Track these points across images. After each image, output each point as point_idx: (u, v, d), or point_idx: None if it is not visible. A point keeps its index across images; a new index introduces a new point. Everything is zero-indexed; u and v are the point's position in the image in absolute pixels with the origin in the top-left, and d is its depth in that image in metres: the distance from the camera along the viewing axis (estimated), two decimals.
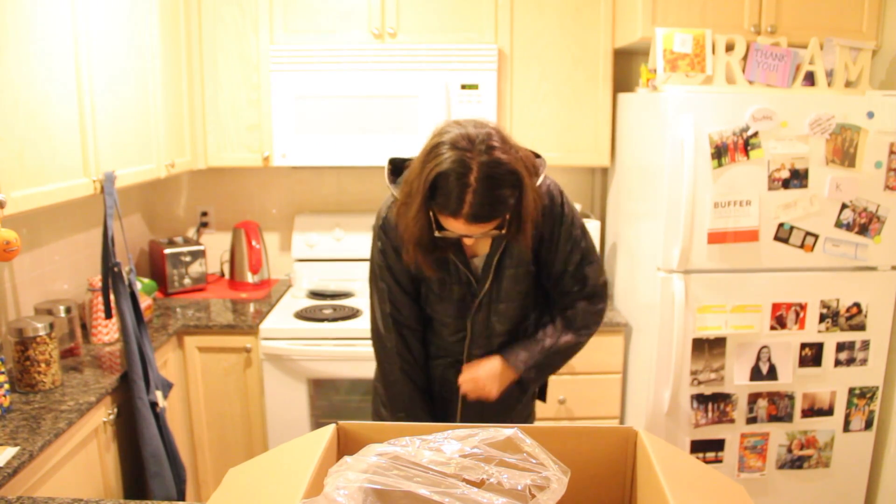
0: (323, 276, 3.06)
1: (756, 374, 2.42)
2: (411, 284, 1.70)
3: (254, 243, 3.02)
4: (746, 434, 2.47)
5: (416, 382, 1.75)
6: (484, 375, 1.69)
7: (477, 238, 1.53)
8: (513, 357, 1.69)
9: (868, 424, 2.50)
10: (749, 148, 2.28)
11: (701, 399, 2.43)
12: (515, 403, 1.83)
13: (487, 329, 1.73)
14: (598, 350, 2.67)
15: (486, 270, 1.66)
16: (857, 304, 2.41)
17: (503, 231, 1.50)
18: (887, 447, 2.54)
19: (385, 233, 1.66)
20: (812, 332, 2.41)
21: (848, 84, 2.46)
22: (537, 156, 1.61)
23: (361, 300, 2.91)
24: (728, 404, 2.44)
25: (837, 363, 2.44)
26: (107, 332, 2.33)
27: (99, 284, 2.28)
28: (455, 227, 1.45)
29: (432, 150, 1.42)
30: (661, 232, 2.35)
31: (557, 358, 1.72)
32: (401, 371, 1.73)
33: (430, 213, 1.47)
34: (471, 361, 1.75)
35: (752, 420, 2.46)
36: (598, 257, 1.73)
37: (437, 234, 1.49)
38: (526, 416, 1.92)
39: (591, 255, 1.70)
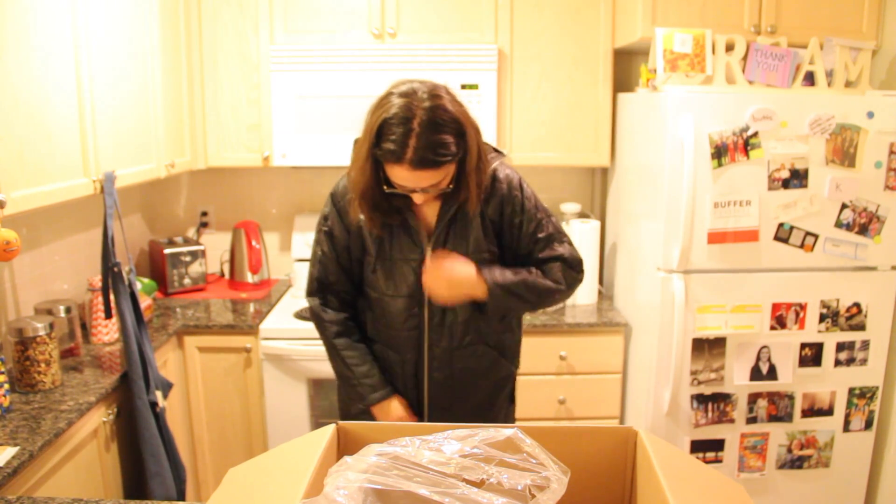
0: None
1: (756, 374, 2.42)
2: (348, 256, 1.70)
3: (254, 243, 3.02)
4: (746, 434, 2.47)
5: (352, 336, 1.74)
6: (450, 270, 1.60)
7: (424, 194, 1.52)
8: (488, 270, 1.63)
9: (868, 424, 2.50)
10: (749, 148, 2.28)
11: (701, 399, 2.43)
12: (488, 407, 1.80)
13: (444, 317, 1.68)
14: (598, 350, 2.67)
15: (437, 245, 1.65)
16: (857, 304, 2.41)
17: (450, 186, 1.52)
18: (887, 447, 2.54)
19: (333, 200, 1.69)
20: (812, 332, 2.41)
21: (848, 84, 2.46)
22: (499, 151, 1.70)
23: None
24: (728, 404, 2.44)
25: (837, 363, 2.44)
26: (107, 332, 2.33)
27: (99, 284, 2.28)
28: (400, 176, 1.47)
29: (381, 101, 1.48)
30: (661, 232, 2.35)
31: (530, 294, 1.66)
32: (336, 335, 1.72)
33: (378, 168, 1.51)
34: (432, 358, 1.71)
35: (752, 420, 2.46)
36: (569, 239, 1.73)
37: (385, 189, 1.52)
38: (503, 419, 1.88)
39: (560, 236, 1.71)
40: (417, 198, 1.53)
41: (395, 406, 1.72)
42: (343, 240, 1.69)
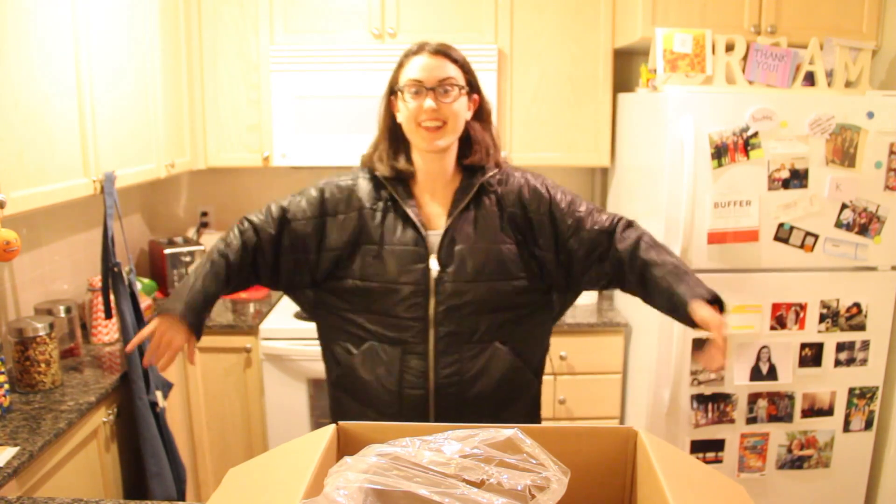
0: None
1: (756, 374, 2.42)
2: (293, 244, 1.56)
3: None
4: (746, 434, 2.47)
5: (224, 267, 1.55)
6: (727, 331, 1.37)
7: (437, 102, 1.45)
8: (690, 289, 1.43)
9: (868, 424, 2.50)
10: (749, 148, 2.28)
11: (701, 399, 2.43)
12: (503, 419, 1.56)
13: (458, 309, 1.49)
14: (598, 350, 2.67)
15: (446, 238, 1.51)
16: (857, 305, 2.41)
17: (461, 91, 1.49)
18: (887, 447, 2.54)
19: (327, 184, 1.61)
20: (812, 332, 2.41)
21: (848, 84, 2.46)
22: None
23: None
24: (728, 404, 2.44)
25: (837, 363, 2.44)
26: (107, 332, 2.33)
27: (99, 284, 2.28)
28: (418, 66, 1.48)
29: None
30: (661, 232, 2.35)
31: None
32: (221, 254, 1.55)
33: (393, 120, 1.53)
34: (439, 348, 1.49)
35: (752, 420, 2.46)
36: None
37: (396, 89, 1.50)
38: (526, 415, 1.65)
39: (599, 208, 1.59)
40: (428, 103, 1.45)
41: (178, 327, 1.51)
42: (300, 224, 1.57)
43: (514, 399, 1.57)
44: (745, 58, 2.44)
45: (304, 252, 1.57)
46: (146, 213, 3.17)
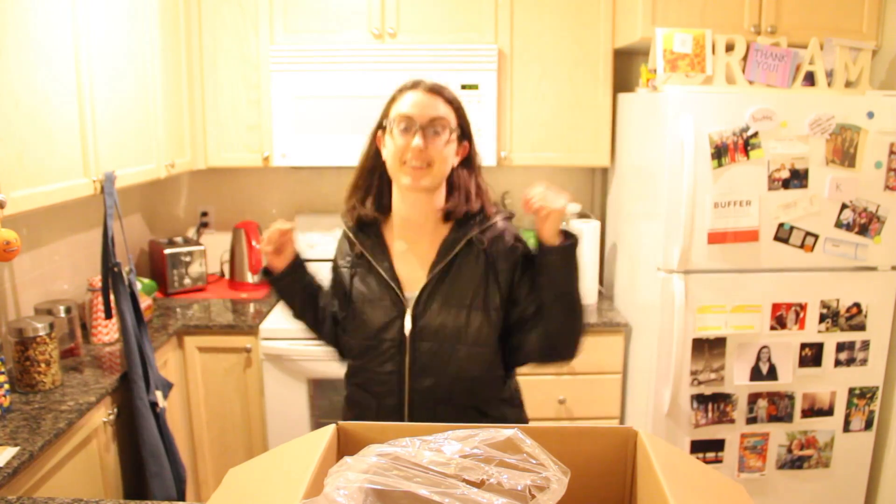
0: (323, 276, 3.06)
1: (756, 374, 2.42)
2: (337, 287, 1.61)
3: (254, 243, 3.02)
4: (746, 434, 2.47)
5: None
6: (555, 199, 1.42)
7: (425, 140, 1.40)
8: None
9: (868, 424, 2.50)
10: (749, 148, 2.28)
11: (701, 399, 2.43)
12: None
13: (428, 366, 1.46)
14: (598, 350, 2.67)
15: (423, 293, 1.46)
16: (857, 305, 2.41)
17: (451, 135, 1.44)
18: (887, 447, 2.54)
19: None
20: (812, 332, 2.41)
21: (848, 84, 2.46)
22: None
23: None
24: (728, 404, 2.44)
25: (837, 363, 2.44)
26: (107, 332, 2.33)
27: (99, 284, 2.28)
28: (411, 102, 1.43)
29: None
30: (661, 232, 2.35)
31: (579, 287, 1.47)
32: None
33: (378, 156, 1.50)
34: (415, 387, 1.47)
35: (752, 420, 2.46)
36: None
37: (384, 124, 1.46)
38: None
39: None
40: (418, 146, 1.40)
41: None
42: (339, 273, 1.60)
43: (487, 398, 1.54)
44: (745, 58, 2.44)
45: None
46: (146, 213, 3.17)
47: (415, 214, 1.49)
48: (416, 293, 1.46)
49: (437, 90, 1.45)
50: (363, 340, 1.50)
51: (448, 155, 1.44)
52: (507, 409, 1.56)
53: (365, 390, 1.53)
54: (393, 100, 1.47)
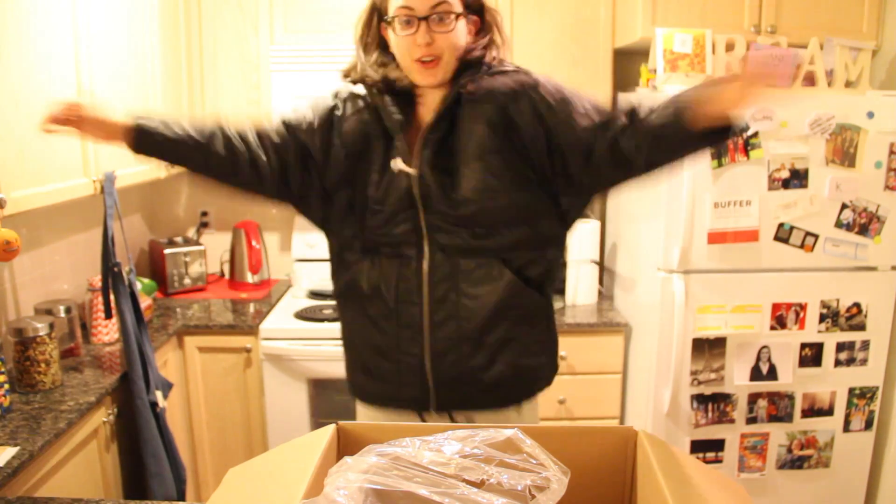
0: (323, 276, 3.06)
1: (756, 374, 2.42)
2: (297, 151, 1.47)
3: (254, 243, 3.02)
4: (746, 434, 2.47)
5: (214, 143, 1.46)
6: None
7: (429, 32, 1.30)
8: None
9: (868, 424, 2.50)
10: (749, 148, 2.28)
11: (701, 399, 2.43)
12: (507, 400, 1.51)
13: (449, 265, 1.39)
14: (598, 350, 2.67)
15: (422, 152, 1.36)
16: (857, 304, 2.41)
17: (457, 18, 1.33)
18: (887, 447, 2.54)
19: (338, 95, 1.51)
20: (812, 332, 2.41)
21: (848, 84, 2.46)
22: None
23: None
24: (728, 404, 2.44)
25: (837, 363, 2.44)
26: (107, 332, 2.33)
27: (99, 284, 2.28)
28: None
29: None
30: (661, 232, 2.35)
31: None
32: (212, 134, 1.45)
33: (378, 34, 1.40)
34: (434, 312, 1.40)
35: (752, 420, 2.46)
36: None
37: (385, 19, 1.35)
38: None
39: (600, 103, 1.40)
40: (421, 36, 1.30)
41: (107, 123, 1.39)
42: (305, 135, 1.48)
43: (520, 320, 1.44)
44: (745, 58, 2.44)
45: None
46: (146, 213, 3.17)
47: (435, 93, 1.39)
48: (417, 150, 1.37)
49: None
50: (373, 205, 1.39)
51: (456, 40, 1.34)
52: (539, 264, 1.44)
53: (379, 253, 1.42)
54: None
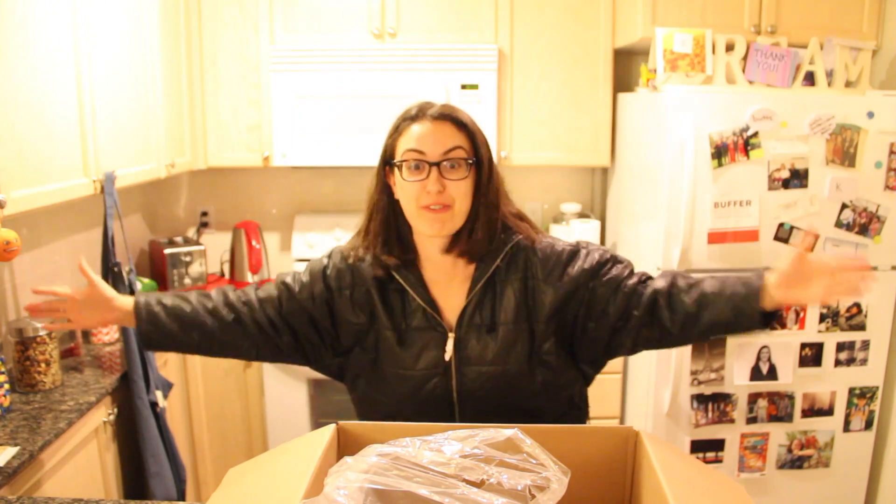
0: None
1: (756, 374, 2.42)
2: (286, 319, 1.34)
3: (254, 243, 3.02)
4: (746, 434, 2.47)
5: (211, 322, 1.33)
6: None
7: (440, 180, 1.22)
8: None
9: (868, 424, 2.50)
10: (749, 148, 2.28)
11: (701, 399, 2.43)
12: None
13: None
14: None
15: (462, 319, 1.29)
16: (857, 304, 2.41)
17: (470, 161, 1.25)
18: (887, 447, 2.54)
19: (331, 256, 1.38)
20: (812, 332, 2.41)
21: (848, 84, 2.46)
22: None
23: None
24: (728, 404, 2.44)
25: (837, 363, 2.44)
26: (107, 332, 2.33)
27: None
28: (419, 136, 1.23)
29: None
30: (661, 232, 2.35)
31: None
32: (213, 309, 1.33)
33: (390, 193, 1.30)
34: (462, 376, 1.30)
35: (752, 420, 2.46)
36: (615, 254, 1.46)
37: (392, 163, 1.27)
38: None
39: (617, 257, 1.44)
40: (432, 184, 1.22)
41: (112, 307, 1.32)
42: (303, 303, 1.35)
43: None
44: (745, 58, 2.44)
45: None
46: (146, 213, 3.17)
47: (443, 257, 1.31)
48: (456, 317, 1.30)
49: (446, 115, 1.25)
50: (399, 371, 1.31)
51: (468, 189, 1.26)
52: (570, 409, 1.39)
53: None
54: (397, 131, 1.27)
